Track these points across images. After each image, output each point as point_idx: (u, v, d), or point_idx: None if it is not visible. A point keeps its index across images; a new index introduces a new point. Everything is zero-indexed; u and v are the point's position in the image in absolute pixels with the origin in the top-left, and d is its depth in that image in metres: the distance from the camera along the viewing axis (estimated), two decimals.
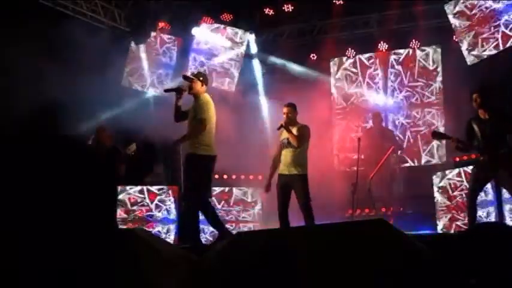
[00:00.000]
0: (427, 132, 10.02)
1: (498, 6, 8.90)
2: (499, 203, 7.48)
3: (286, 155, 6.23)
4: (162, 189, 8.99)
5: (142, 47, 9.97)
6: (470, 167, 8.12)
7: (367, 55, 10.69)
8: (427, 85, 10.23)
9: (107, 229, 6.02)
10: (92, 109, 8.31)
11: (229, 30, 10.59)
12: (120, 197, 8.49)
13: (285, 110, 6.32)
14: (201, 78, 5.82)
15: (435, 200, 8.39)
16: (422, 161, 10.05)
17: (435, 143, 9.88)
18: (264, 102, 10.93)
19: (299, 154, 6.22)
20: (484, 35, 9.03)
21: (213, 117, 5.74)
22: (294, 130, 6.24)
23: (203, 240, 8.87)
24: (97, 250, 3.34)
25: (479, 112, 5.92)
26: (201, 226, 8.99)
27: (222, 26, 10.57)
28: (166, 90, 6.13)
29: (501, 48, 8.86)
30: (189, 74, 6.17)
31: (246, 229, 9.07)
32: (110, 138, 7.04)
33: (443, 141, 9.92)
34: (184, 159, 5.67)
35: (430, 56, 10.25)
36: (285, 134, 6.29)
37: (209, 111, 5.69)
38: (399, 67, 10.44)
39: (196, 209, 5.69)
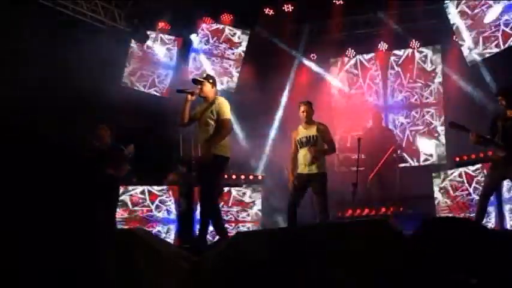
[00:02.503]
0: (426, 132, 10.04)
1: (498, 6, 8.90)
2: (499, 203, 7.48)
3: (305, 153, 6.21)
4: (163, 189, 8.99)
5: (142, 46, 9.97)
6: (470, 167, 8.16)
7: (367, 55, 10.69)
8: (426, 85, 10.25)
9: (106, 229, 6.02)
10: (92, 108, 8.32)
11: (228, 30, 10.60)
12: (121, 197, 8.49)
13: (302, 108, 6.32)
14: (210, 81, 5.85)
15: (435, 200, 8.39)
16: (422, 161, 10.06)
17: (435, 142, 9.90)
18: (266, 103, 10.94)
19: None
20: (484, 35, 9.04)
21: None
22: (314, 129, 6.25)
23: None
24: (96, 250, 3.34)
25: (507, 111, 5.91)
26: None
27: (222, 26, 10.58)
28: (179, 91, 5.93)
29: (501, 48, 8.87)
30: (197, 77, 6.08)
31: (245, 229, 9.07)
32: (110, 137, 7.04)
33: (444, 141, 9.94)
34: (206, 161, 5.55)
35: (429, 56, 10.27)
36: (303, 133, 6.28)
37: (229, 112, 5.74)
38: (399, 68, 10.46)
39: (218, 207, 5.83)
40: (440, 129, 10.02)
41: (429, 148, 10.04)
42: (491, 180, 6.00)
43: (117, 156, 6.89)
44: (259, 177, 9.93)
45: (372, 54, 10.65)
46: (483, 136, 5.89)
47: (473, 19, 9.15)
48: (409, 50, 10.34)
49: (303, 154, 6.22)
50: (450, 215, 8.14)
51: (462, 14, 9.27)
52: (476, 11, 9.14)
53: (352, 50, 10.68)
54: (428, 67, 10.23)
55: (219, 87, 10.89)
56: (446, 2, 9.42)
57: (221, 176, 5.93)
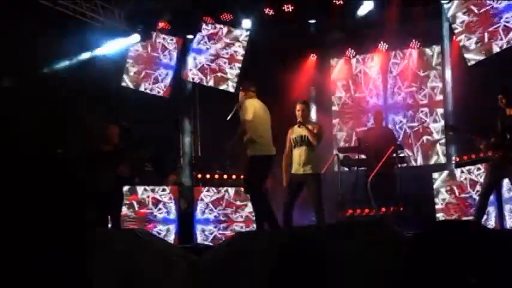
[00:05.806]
0: (427, 132, 10.05)
1: (498, 6, 8.89)
2: (499, 203, 7.48)
3: (300, 153, 6.14)
4: (163, 189, 8.98)
5: (142, 46, 9.97)
6: (470, 167, 8.15)
7: (367, 55, 10.68)
8: (426, 85, 10.24)
9: (108, 229, 6.02)
10: (92, 108, 8.31)
11: (228, 30, 10.59)
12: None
13: (299, 107, 6.24)
14: (241, 88, 6.22)
15: (435, 200, 8.38)
16: (423, 161, 10.06)
17: (436, 142, 9.92)
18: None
19: (313, 152, 6.15)
20: (485, 35, 9.02)
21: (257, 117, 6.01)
22: (311, 128, 6.20)
23: (204, 242, 8.91)
24: (81, 250, 3.34)
25: (507, 110, 5.92)
26: (201, 226, 9.07)
27: (223, 26, 10.57)
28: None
29: (501, 47, 8.85)
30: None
31: (242, 229, 9.04)
32: (119, 136, 7.04)
33: (444, 141, 9.93)
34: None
35: (429, 56, 10.27)
36: (297, 132, 6.22)
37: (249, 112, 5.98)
38: (399, 67, 10.46)
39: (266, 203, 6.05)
40: (440, 129, 10.01)
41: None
42: (490, 180, 6.00)
43: (120, 156, 6.92)
44: None
45: (372, 54, 10.64)
46: (478, 136, 5.94)
47: (472, 19, 9.13)
48: (410, 50, 10.34)
49: (298, 154, 6.16)
50: (449, 215, 8.14)
51: (462, 14, 9.25)
52: (475, 11, 9.11)
53: (352, 50, 10.68)
54: (429, 66, 10.23)
55: (219, 87, 10.97)
56: (445, 2, 9.40)
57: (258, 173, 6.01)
